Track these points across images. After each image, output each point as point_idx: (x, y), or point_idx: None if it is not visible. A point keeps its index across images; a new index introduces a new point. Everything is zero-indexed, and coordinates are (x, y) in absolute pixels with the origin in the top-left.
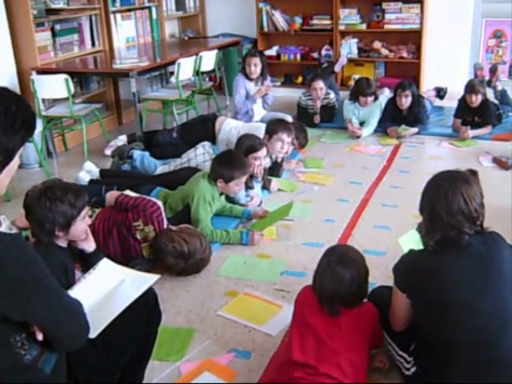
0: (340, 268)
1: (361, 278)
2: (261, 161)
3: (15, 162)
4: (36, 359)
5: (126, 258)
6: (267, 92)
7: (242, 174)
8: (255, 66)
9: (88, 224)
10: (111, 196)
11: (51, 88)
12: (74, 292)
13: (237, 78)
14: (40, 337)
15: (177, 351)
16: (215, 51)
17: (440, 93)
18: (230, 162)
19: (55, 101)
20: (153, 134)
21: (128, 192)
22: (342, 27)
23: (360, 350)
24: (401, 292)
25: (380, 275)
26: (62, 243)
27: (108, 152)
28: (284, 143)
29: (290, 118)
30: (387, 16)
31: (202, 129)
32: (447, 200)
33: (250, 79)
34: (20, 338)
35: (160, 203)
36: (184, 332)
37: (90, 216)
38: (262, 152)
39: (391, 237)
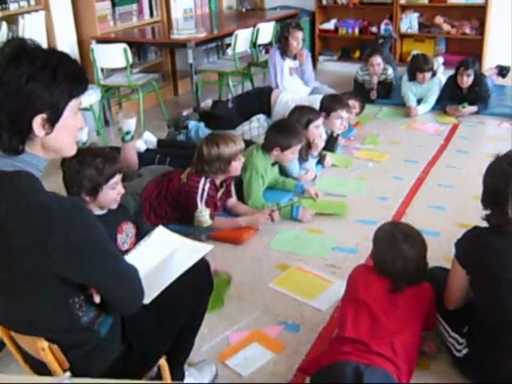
0: (407, 246)
1: (424, 257)
2: (321, 129)
3: (67, 118)
4: (93, 321)
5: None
6: (302, 62)
7: (299, 142)
8: (300, 41)
9: (120, 193)
10: None
11: (110, 57)
12: (129, 258)
13: (271, 56)
14: (97, 299)
15: (214, 300)
16: (272, 23)
17: (502, 71)
18: (287, 131)
19: (113, 70)
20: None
21: None
22: (402, 1)
23: (414, 331)
24: (461, 267)
25: (433, 256)
26: (98, 211)
27: (185, 113)
28: (343, 120)
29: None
30: None
31: (258, 101)
32: None
33: (288, 56)
34: (78, 300)
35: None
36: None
37: None
38: (321, 120)
39: (446, 217)
